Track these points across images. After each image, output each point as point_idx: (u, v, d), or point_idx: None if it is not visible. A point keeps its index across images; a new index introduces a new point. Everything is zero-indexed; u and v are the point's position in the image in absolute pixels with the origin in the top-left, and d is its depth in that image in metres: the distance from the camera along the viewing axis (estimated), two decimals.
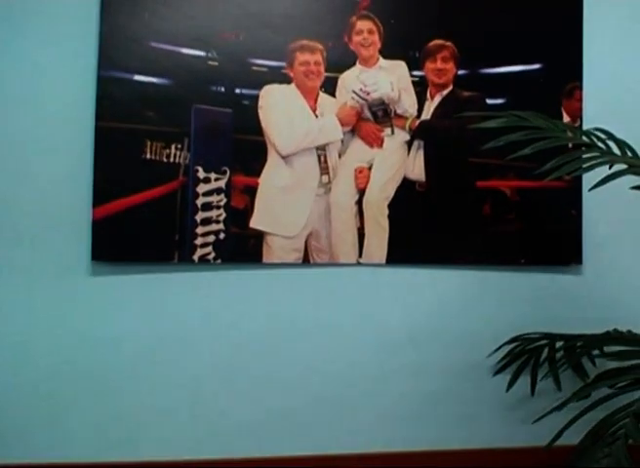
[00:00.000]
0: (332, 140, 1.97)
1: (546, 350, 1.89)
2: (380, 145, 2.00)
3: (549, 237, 2.08)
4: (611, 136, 1.59)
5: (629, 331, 1.86)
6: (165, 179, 1.87)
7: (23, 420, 1.84)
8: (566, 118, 2.06)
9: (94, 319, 1.88)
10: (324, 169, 1.96)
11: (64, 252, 1.86)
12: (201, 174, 1.88)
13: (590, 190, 1.44)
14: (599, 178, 1.41)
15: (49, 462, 1.85)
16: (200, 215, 1.89)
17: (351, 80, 1.98)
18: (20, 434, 1.84)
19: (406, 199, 2.00)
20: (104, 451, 1.87)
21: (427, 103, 2.02)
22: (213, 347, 1.94)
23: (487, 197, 2.04)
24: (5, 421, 1.83)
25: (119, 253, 1.86)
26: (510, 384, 1.92)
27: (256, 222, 1.92)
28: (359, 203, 1.99)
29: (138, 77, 1.85)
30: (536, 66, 2.07)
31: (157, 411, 1.90)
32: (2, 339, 1.85)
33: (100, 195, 1.84)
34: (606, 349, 1.80)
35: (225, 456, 1.92)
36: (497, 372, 2.01)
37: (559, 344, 1.87)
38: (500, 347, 1.97)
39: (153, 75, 1.86)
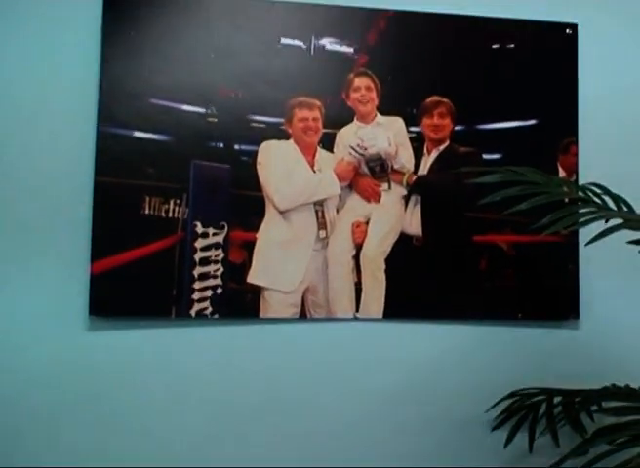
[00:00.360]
0: (329, 195, 2.03)
1: (544, 405, 1.92)
2: (378, 200, 2.07)
3: (546, 291, 2.13)
4: (606, 192, 1.65)
5: (627, 387, 1.89)
6: (163, 234, 1.93)
7: None
8: (562, 173, 2.13)
9: (90, 374, 1.92)
10: (321, 224, 2.02)
11: (62, 306, 1.90)
12: (199, 228, 1.94)
13: (587, 245, 1.50)
14: (596, 232, 1.46)
15: None
16: (198, 270, 1.94)
17: (349, 136, 2.05)
18: None
19: (403, 254, 2.06)
20: None
21: (424, 159, 2.09)
22: (210, 402, 1.98)
23: (484, 252, 2.09)
24: None
25: (117, 307, 1.91)
26: (508, 440, 1.95)
27: (253, 277, 1.97)
28: (356, 257, 2.04)
29: (137, 133, 1.92)
30: (531, 122, 2.15)
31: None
32: None
33: (98, 249, 1.90)
34: (604, 404, 1.83)
35: None
36: (495, 428, 2.03)
37: (557, 399, 1.90)
38: (497, 402, 2.00)
39: (153, 131, 1.93)
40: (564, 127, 2.15)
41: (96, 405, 1.93)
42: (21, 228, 1.90)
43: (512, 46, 2.16)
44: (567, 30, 2.17)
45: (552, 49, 2.18)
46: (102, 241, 1.90)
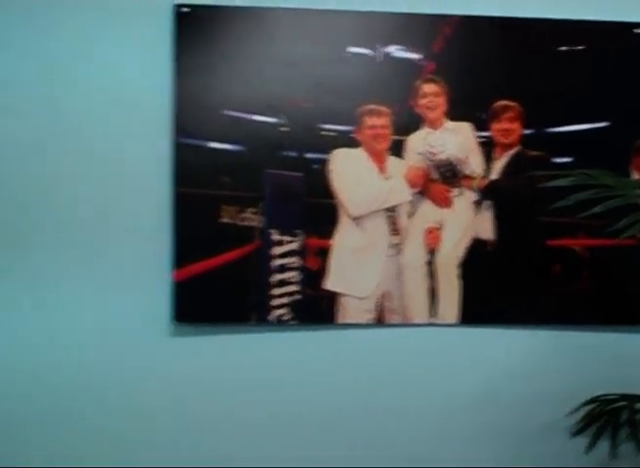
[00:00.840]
0: (401, 202, 2.16)
1: (626, 412, 1.99)
2: (449, 206, 2.19)
3: (623, 295, 2.22)
4: None
5: None
6: (241, 242, 2.07)
7: None
8: (635, 175, 2.23)
9: (174, 379, 2.08)
10: (394, 230, 2.16)
11: (147, 313, 2.07)
12: (275, 236, 2.09)
13: None
14: None
15: None
16: (275, 277, 2.09)
17: (418, 142, 2.18)
18: None
19: (476, 258, 2.17)
20: None
21: (494, 163, 2.21)
22: (291, 405, 2.12)
23: (558, 256, 2.20)
24: None
25: (199, 314, 2.06)
26: (590, 446, 2.02)
27: (329, 284, 2.11)
28: (430, 263, 2.17)
29: (212, 144, 2.08)
30: (602, 124, 2.24)
31: None
32: (84, 398, 2.05)
33: (180, 258, 2.05)
34: None
35: None
36: (575, 434, 2.12)
37: (639, 406, 1.97)
38: (578, 408, 2.07)
39: (227, 142, 2.09)
40: (637, 128, 2.24)
41: (179, 408, 2.08)
42: (106, 240, 2.07)
43: (581, 48, 2.25)
44: (635, 30, 2.27)
45: (622, 49, 2.25)
46: (184, 249, 2.06)
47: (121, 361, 2.06)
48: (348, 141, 2.11)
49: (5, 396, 2.03)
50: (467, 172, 2.16)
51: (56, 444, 2.05)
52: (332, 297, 2.08)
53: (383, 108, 2.12)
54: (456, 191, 2.15)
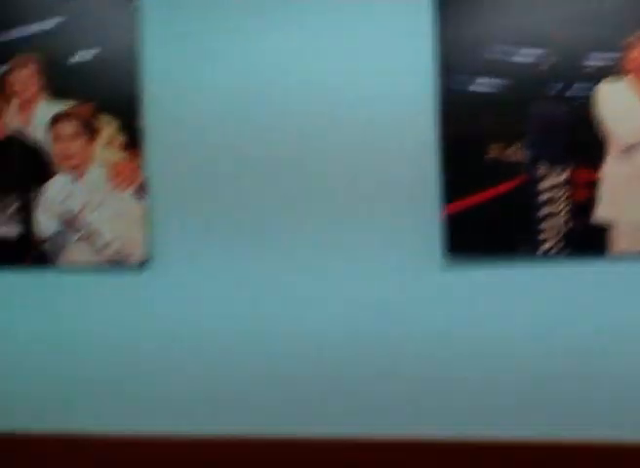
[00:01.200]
0: None
1: None
2: None
3: None
4: None
5: None
6: (508, 177, 2.17)
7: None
8: None
9: (446, 311, 2.25)
10: None
11: (417, 247, 2.25)
12: (542, 170, 2.17)
13: None
14: None
15: None
16: (543, 211, 2.17)
17: None
18: None
19: None
20: None
21: None
22: (561, 341, 2.21)
23: None
24: None
25: (469, 246, 2.20)
26: None
27: (599, 215, 2.17)
28: None
29: (477, 80, 2.18)
30: None
31: None
32: (367, 338, 2.29)
33: (450, 193, 2.20)
34: None
35: None
36: None
37: None
38: None
39: (491, 78, 2.18)
40: None
41: (448, 343, 2.26)
42: (376, 180, 2.28)
43: None
44: None
45: None
46: (453, 185, 2.20)
47: (393, 293, 2.26)
48: (615, 72, 2.12)
49: (287, 353, 2.33)
50: None
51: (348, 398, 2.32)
52: (602, 229, 2.12)
53: None
54: None
